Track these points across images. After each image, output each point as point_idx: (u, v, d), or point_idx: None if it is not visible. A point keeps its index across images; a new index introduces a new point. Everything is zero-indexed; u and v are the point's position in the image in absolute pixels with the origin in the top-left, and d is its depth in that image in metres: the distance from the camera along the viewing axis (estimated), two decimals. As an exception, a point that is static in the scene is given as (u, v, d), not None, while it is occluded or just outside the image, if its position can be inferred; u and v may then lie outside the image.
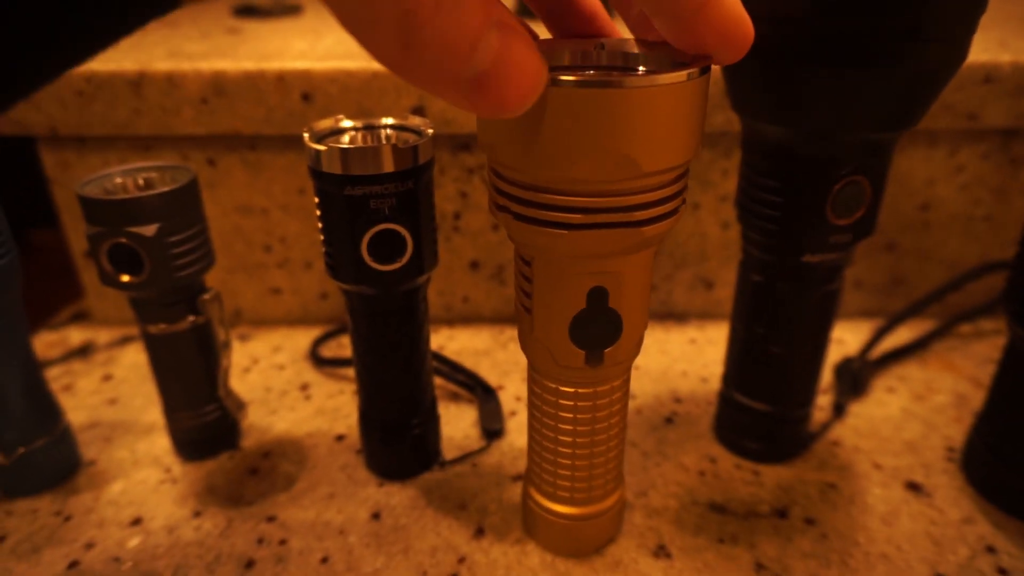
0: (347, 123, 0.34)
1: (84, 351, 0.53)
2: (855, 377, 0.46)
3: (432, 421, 0.40)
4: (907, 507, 0.37)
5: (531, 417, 0.33)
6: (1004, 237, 0.52)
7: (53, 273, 0.69)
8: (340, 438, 0.43)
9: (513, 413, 0.45)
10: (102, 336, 0.55)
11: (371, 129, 0.34)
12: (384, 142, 0.34)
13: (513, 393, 0.47)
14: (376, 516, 0.37)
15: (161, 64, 0.47)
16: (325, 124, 0.33)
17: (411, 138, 0.33)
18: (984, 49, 0.47)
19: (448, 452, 0.42)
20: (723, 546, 0.35)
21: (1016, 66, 0.45)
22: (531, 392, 0.32)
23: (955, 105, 0.46)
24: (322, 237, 0.33)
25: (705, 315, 0.56)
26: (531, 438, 0.33)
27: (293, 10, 0.73)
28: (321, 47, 0.52)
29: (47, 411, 0.39)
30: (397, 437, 0.39)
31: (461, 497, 0.38)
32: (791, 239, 0.34)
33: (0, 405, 0.36)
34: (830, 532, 0.36)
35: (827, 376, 0.48)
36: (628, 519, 0.37)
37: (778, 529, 0.36)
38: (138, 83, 0.47)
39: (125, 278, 0.35)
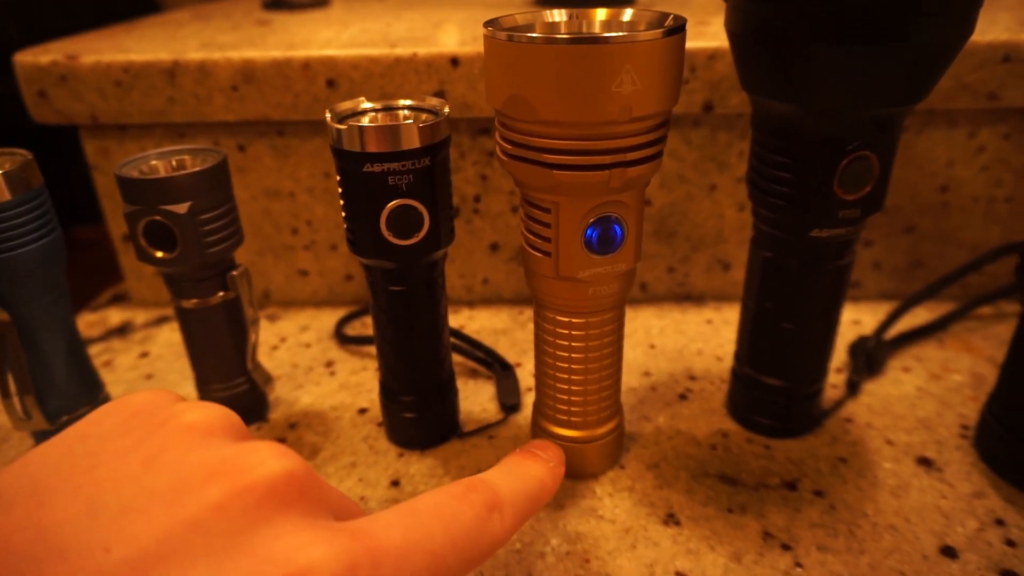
0: (367, 104, 0.35)
1: (123, 330, 0.56)
2: (869, 356, 0.47)
3: (450, 393, 0.41)
4: (917, 481, 0.38)
5: (537, 350, 0.37)
6: (1027, 218, 0.52)
7: (96, 267, 0.73)
8: (362, 411, 0.45)
9: (529, 389, 0.46)
10: (139, 316, 0.58)
11: (390, 110, 0.35)
12: (402, 121, 0.35)
13: (529, 369, 0.49)
14: (395, 483, 0.39)
15: (193, 54, 0.49)
16: (346, 106, 0.35)
17: (428, 117, 0.34)
18: (1005, 28, 0.46)
19: (467, 425, 0.43)
20: (732, 515, 0.36)
21: (1036, 44, 0.45)
22: (537, 327, 0.36)
23: (974, 85, 0.46)
24: (343, 213, 0.35)
25: (722, 296, 0.57)
26: (537, 370, 0.38)
27: (321, 2, 0.75)
28: (346, 35, 0.53)
29: (89, 382, 0.41)
30: (416, 408, 0.40)
31: (478, 467, 0.40)
32: (800, 215, 0.34)
33: (46, 375, 0.39)
34: (838, 504, 0.36)
35: (843, 355, 0.48)
36: (639, 489, 0.38)
37: (787, 500, 0.37)
38: (172, 72, 0.49)
39: (159, 254, 0.37)
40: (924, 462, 0.39)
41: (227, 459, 0.20)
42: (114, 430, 0.22)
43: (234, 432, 0.22)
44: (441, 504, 0.23)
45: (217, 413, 0.22)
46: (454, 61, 0.47)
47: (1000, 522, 0.35)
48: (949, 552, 0.33)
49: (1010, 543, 0.34)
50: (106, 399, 0.42)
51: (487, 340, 0.52)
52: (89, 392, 0.41)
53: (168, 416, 0.22)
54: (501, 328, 0.54)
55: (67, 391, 0.40)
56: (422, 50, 0.47)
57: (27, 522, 0.18)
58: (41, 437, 0.41)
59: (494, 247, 0.55)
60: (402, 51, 0.47)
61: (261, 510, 0.19)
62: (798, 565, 0.33)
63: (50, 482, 0.20)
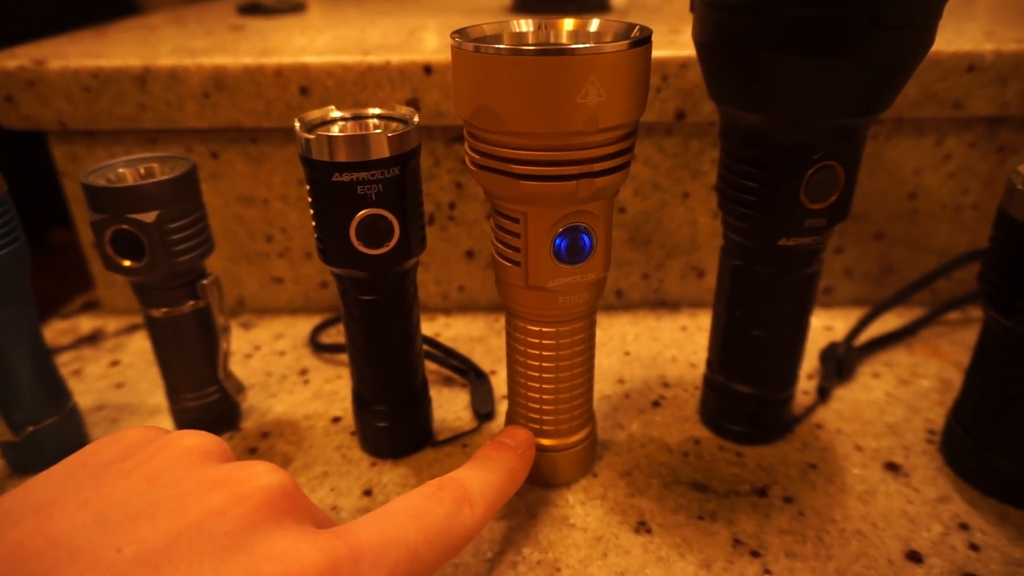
0: (336, 113, 0.35)
1: (93, 338, 0.55)
2: (839, 362, 0.47)
3: (423, 402, 0.41)
4: (884, 486, 0.38)
5: (508, 359, 0.37)
6: (993, 225, 0.53)
7: (69, 271, 0.72)
8: (336, 420, 0.45)
9: (504, 397, 0.46)
10: (111, 324, 0.57)
11: (359, 119, 0.35)
12: (371, 130, 0.35)
13: (505, 377, 0.48)
14: (368, 493, 0.39)
15: (165, 60, 0.48)
16: (315, 114, 0.35)
17: (398, 126, 0.34)
18: (969, 39, 0.47)
19: (441, 433, 0.43)
20: (702, 522, 0.36)
21: (999, 54, 0.45)
22: (508, 335, 0.36)
23: (940, 94, 0.47)
24: (313, 223, 0.35)
25: (697, 303, 0.57)
26: (509, 378, 0.38)
27: (297, 8, 0.75)
28: (320, 42, 0.53)
29: (55, 392, 0.41)
30: (388, 417, 0.40)
31: (450, 475, 0.40)
32: (767, 224, 0.35)
33: (10, 386, 0.38)
34: (807, 510, 0.37)
35: (814, 361, 0.49)
36: (611, 497, 0.38)
37: (756, 507, 0.37)
38: (143, 78, 0.48)
39: (127, 263, 0.36)
40: (892, 467, 0.40)
41: (226, 473, 0.23)
42: (113, 456, 0.24)
43: (226, 457, 0.25)
44: (413, 504, 0.26)
45: (211, 440, 0.25)
46: (427, 69, 0.47)
47: (964, 526, 0.35)
48: (914, 557, 0.34)
49: (973, 547, 0.34)
50: (73, 409, 0.42)
51: (463, 348, 0.52)
52: (55, 403, 0.40)
53: (165, 442, 0.24)
54: (477, 335, 0.54)
55: (32, 402, 0.39)
56: (395, 57, 0.47)
57: (36, 532, 0.20)
58: (6, 449, 0.40)
59: (469, 254, 0.55)
60: (375, 59, 0.47)
61: (258, 515, 0.22)
62: (767, 572, 0.33)
63: (56, 499, 0.21)
